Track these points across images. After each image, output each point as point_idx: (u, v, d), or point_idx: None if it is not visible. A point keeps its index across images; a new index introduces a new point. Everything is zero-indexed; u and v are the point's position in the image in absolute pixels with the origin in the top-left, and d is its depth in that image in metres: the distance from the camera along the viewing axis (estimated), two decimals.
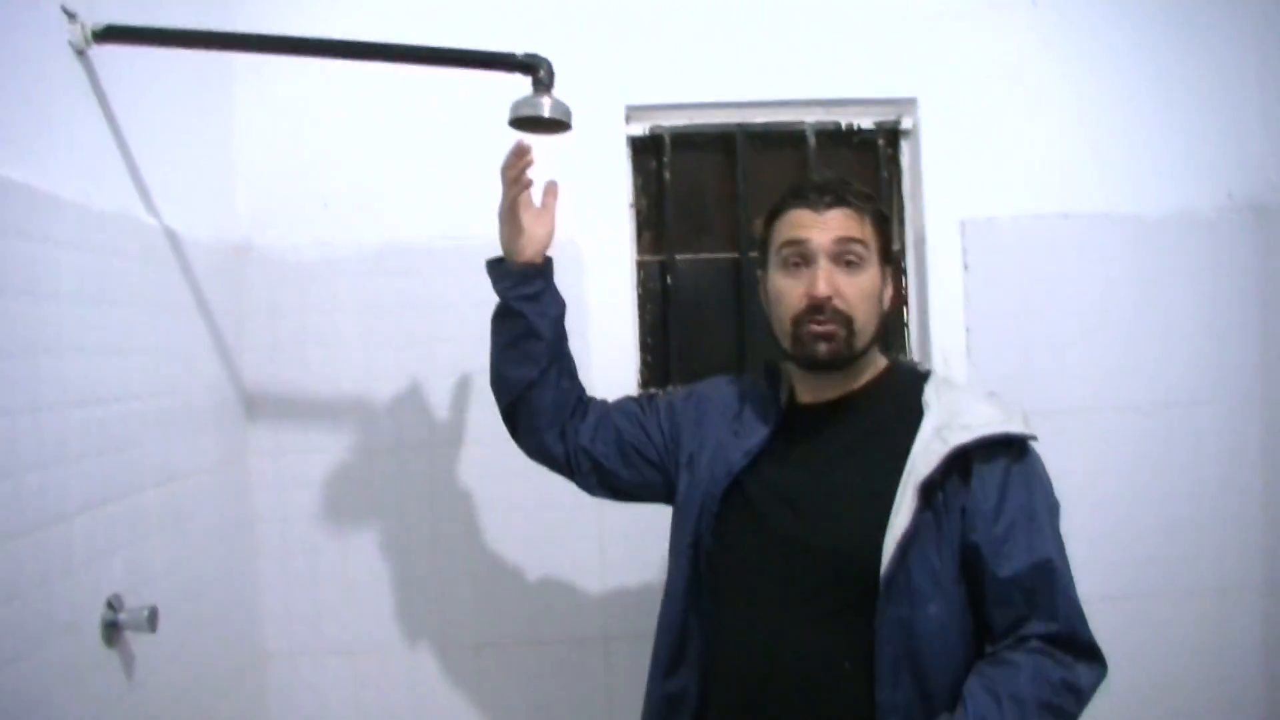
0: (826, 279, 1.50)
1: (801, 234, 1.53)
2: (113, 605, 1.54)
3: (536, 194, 1.75)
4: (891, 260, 1.61)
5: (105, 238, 1.60)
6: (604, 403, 1.82)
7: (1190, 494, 2.44)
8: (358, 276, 2.27)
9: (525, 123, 1.66)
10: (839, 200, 1.54)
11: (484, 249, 2.19)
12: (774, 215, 1.60)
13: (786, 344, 1.56)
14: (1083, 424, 2.39)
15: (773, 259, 1.58)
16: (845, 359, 1.53)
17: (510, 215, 1.71)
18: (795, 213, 1.55)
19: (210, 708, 1.93)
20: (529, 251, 1.72)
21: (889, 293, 1.60)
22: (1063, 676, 1.37)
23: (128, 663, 1.60)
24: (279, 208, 2.25)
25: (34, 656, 1.34)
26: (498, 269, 1.75)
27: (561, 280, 2.11)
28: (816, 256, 1.51)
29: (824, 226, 1.52)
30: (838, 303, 1.50)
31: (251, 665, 2.18)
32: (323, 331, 2.25)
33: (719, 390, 1.78)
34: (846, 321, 1.51)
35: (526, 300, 1.71)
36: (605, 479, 1.77)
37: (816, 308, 1.50)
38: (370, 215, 2.27)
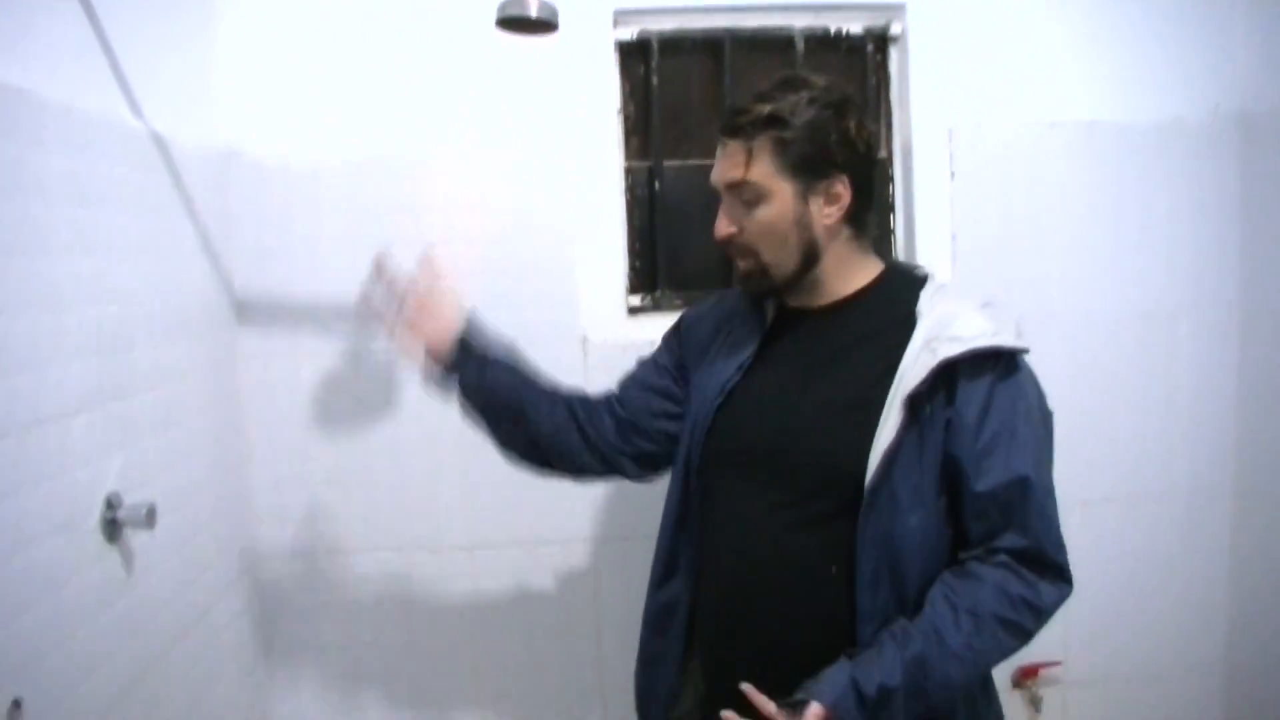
0: (724, 220, 1.53)
1: (712, 176, 1.55)
2: (111, 503, 1.57)
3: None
4: (831, 169, 1.49)
5: (92, 140, 1.59)
6: (617, 394, 1.81)
7: (1166, 401, 2.49)
8: (344, 182, 2.25)
9: (511, 23, 1.66)
10: (730, 130, 1.51)
11: (472, 155, 2.20)
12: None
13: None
14: (1064, 331, 2.43)
15: None
16: (773, 288, 1.56)
17: (397, 329, 1.74)
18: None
19: (206, 605, 1.97)
20: (441, 344, 1.73)
21: (830, 207, 1.51)
22: (1022, 593, 1.40)
23: (127, 559, 1.63)
24: (265, 114, 2.23)
25: (36, 551, 1.37)
26: (426, 373, 1.77)
27: (550, 186, 2.13)
28: (720, 195, 1.54)
29: (719, 166, 1.53)
30: (740, 239, 1.52)
31: (245, 565, 2.22)
32: (310, 237, 2.25)
33: (709, 313, 1.78)
34: (754, 254, 1.52)
35: (471, 387, 1.73)
36: (650, 464, 1.79)
37: (725, 245, 1.54)
38: (357, 121, 2.26)
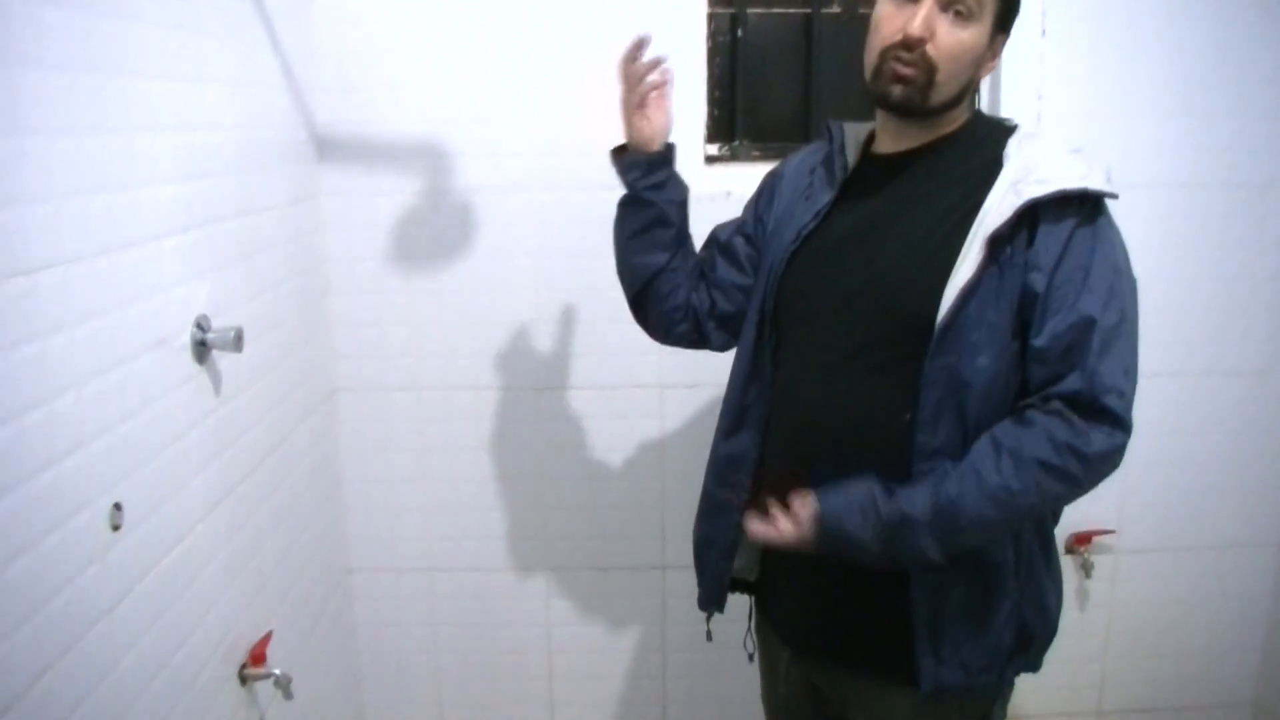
0: (925, 20, 1.42)
1: None
2: (201, 325, 1.63)
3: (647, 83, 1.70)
4: (1006, 29, 1.51)
5: None
6: (705, 256, 1.81)
7: (1249, 276, 2.44)
8: (426, 19, 2.24)
9: None
10: None
11: None
12: None
13: (868, 75, 1.52)
14: (1147, 200, 2.37)
15: None
16: (916, 108, 1.48)
17: (630, 108, 1.69)
18: None
19: (288, 431, 2.06)
20: (654, 141, 1.71)
21: (992, 63, 1.53)
22: (1068, 439, 1.37)
23: (215, 379, 1.70)
24: None
25: (131, 366, 1.43)
26: (623, 159, 1.74)
27: (632, 29, 2.08)
28: None
29: None
30: (929, 49, 1.43)
31: (323, 397, 2.30)
32: (391, 74, 2.26)
33: (793, 167, 1.76)
34: (930, 70, 1.44)
35: (655, 189, 1.71)
36: (735, 329, 1.78)
37: (906, 45, 1.44)
38: None
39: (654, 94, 1.69)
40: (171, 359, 1.56)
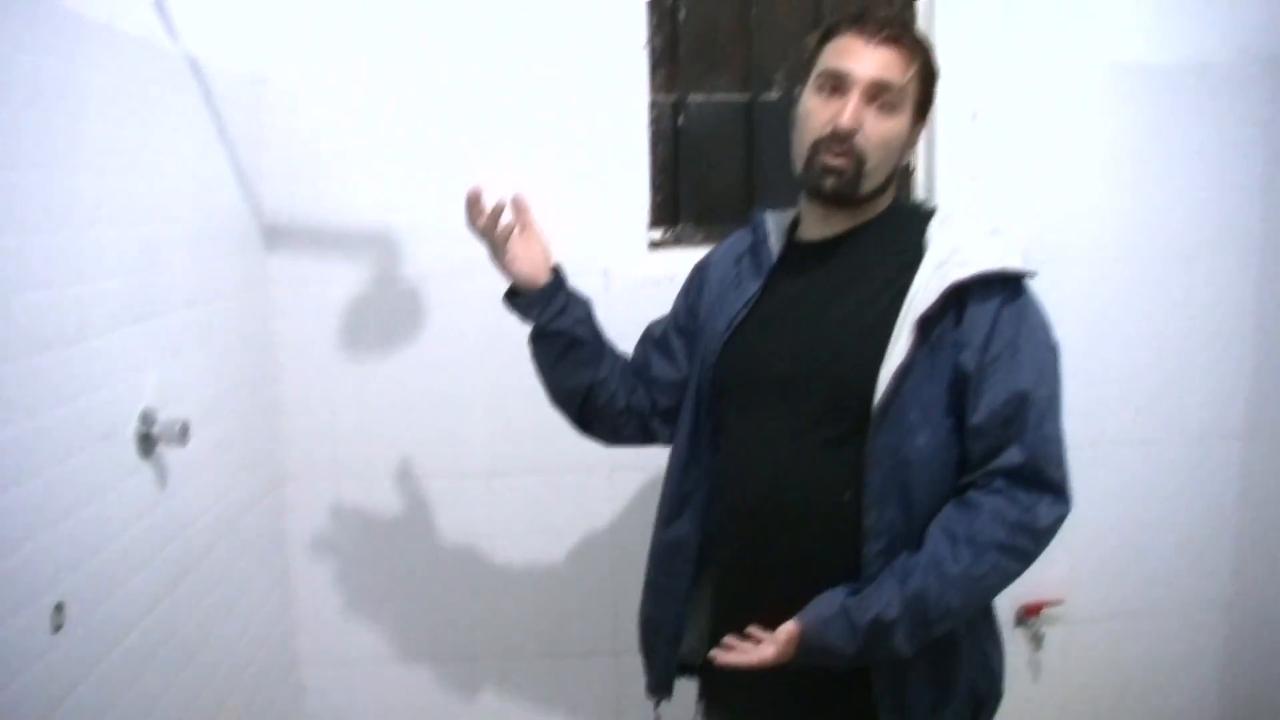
0: (854, 113, 1.49)
1: (845, 64, 1.50)
2: (146, 418, 1.62)
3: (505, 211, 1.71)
4: (924, 117, 1.60)
5: (131, 61, 1.62)
6: (640, 355, 1.83)
7: (1182, 342, 2.51)
8: (374, 109, 2.27)
9: None
10: (892, 38, 1.51)
11: (501, 85, 2.21)
12: (827, 35, 1.57)
13: (799, 165, 1.57)
14: (1081, 272, 2.44)
15: (813, 78, 1.56)
16: (848, 197, 1.54)
17: (500, 254, 1.70)
18: (847, 39, 1.52)
19: (234, 521, 2.03)
20: (538, 274, 1.71)
21: (912, 150, 1.62)
22: (1019, 518, 1.42)
23: (161, 473, 1.68)
24: (297, 39, 2.24)
25: (75, 461, 1.42)
26: (517, 302, 1.74)
27: (577, 118, 2.15)
28: (852, 90, 1.50)
29: (868, 61, 1.49)
30: (858, 140, 1.49)
31: (271, 485, 2.28)
32: (340, 163, 2.27)
33: (721, 255, 1.80)
34: (860, 160, 1.50)
35: (558, 317, 1.71)
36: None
37: (837, 137, 1.50)
38: (387, 49, 2.27)
39: (516, 234, 1.70)
40: (117, 453, 1.55)
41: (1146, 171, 2.44)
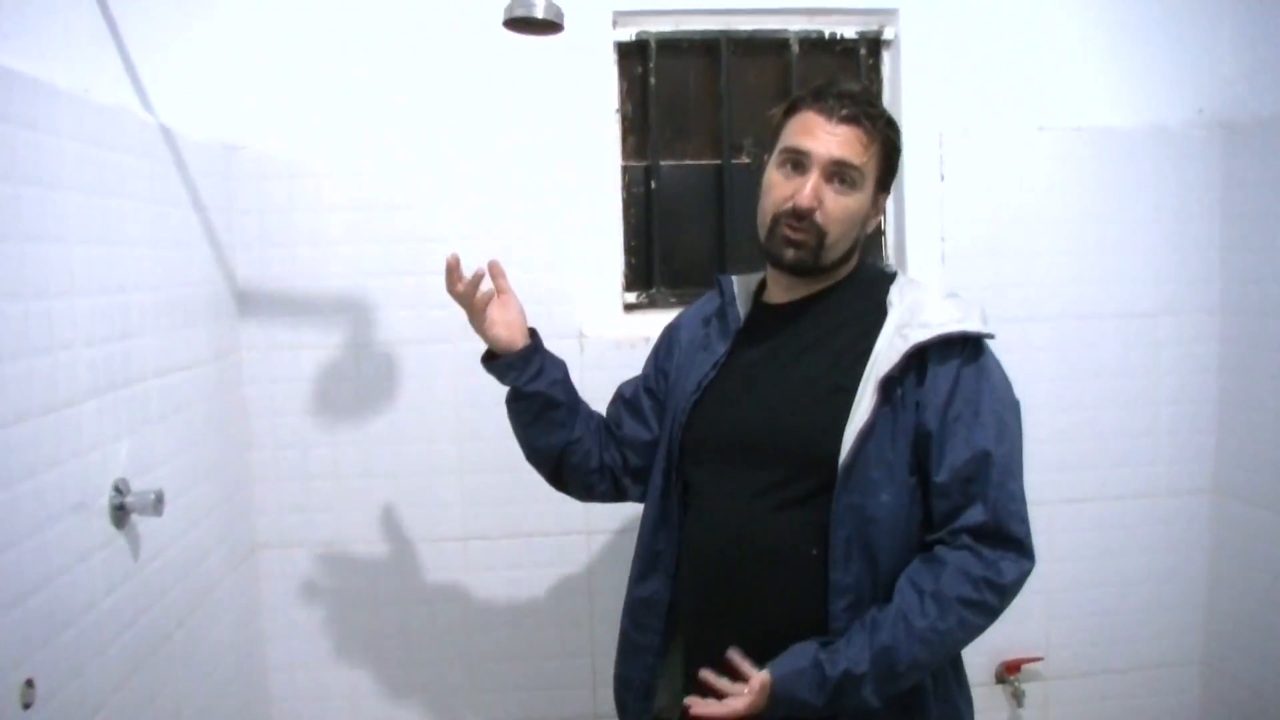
0: (813, 191, 1.53)
1: (805, 143, 1.54)
2: (119, 488, 1.60)
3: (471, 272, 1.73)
4: (887, 189, 1.64)
5: (104, 131, 1.62)
6: (613, 415, 1.86)
7: (1149, 401, 2.55)
8: (347, 177, 2.29)
9: (518, 23, 1.69)
10: (854, 118, 1.54)
11: (474, 152, 2.24)
12: (791, 109, 1.61)
13: (762, 236, 1.62)
14: (1049, 331, 2.48)
15: (776, 152, 1.61)
16: (809, 268, 1.58)
17: (479, 319, 1.72)
18: (809, 115, 1.56)
19: (206, 593, 2.00)
20: (515, 338, 1.74)
21: (876, 220, 1.65)
22: (984, 574, 1.45)
23: (134, 543, 1.66)
24: (269, 107, 2.26)
25: (47, 533, 1.40)
26: (495, 366, 1.76)
27: (549, 183, 2.17)
28: (812, 168, 1.54)
29: (829, 140, 1.53)
30: (818, 217, 1.54)
31: (243, 554, 2.25)
32: (312, 229, 2.29)
33: (690, 317, 1.84)
34: (820, 235, 1.55)
35: (534, 379, 1.74)
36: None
37: (796, 214, 1.54)
38: (360, 117, 2.29)
39: (493, 300, 1.72)
40: (89, 524, 1.53)
41: (1110, 231, 2.49)
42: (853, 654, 1.43)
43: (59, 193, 1.47)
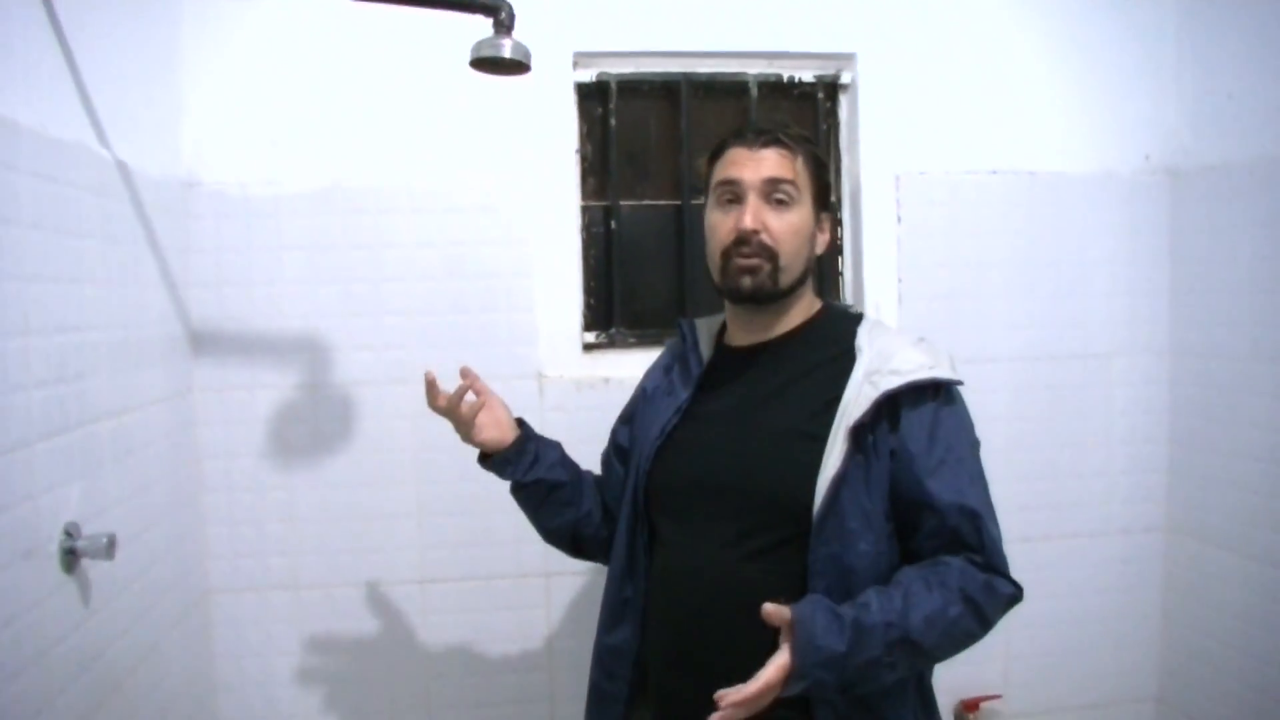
0: (753, 213, 1.57)
1: (734, 172, 1.59)
2: (70, 532, 1.56)
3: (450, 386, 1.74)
4: (828, 207, 1.67)
5: (61, 167, 1.59)
6: (600, 481, 1.87)
7: (1103, 441, 2.58)
8: (304, 215, 2.27)
9: (485, 63, 1.69)
10: (773, 140, 1.60)
11: (432, 191, 2.22)
12: (715, 154, 1.67)
13: (716, 277, 1.63)
14: (1004, 372, 2.51)
15: (711, 196, 1.65)
16: (769, 293, 1.59)
17: (467, 429, 1.73)
18: (732, 151, 1.62)
19: (157, 639, 1.95)
20: (506, 436, 1.75)
21: (823, 238, 1.66)
22: (985, 580, 1.46)
23: (85, 589, 1.61)
24: (227, 145, 2.24)
25: None
26: (491, 464, 1.77)
27: (509, 223, 2.16)
28: (747, 193, 1.58)
29: (756, 165, 1.58)
30: (764, 237, 1.56)
31: (195, 599, 2.19)
32: (269, 268, 2.26)
33: (657, 365, 1.85)
34: (772, 256, 1.57)
35: (531, 469, 1.76)
36: None
37: (743, 240, 1.56)
38: (317, 155, 2.27)
39: (480, 408, 1.72)
40: (39, 570, 1.48)
41: (1063, 274, 2.54)
42: (867, 604, 1.40)
43: (15, 229, 1.44)
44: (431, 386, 1.68)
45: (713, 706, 1.39)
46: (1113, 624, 2.62)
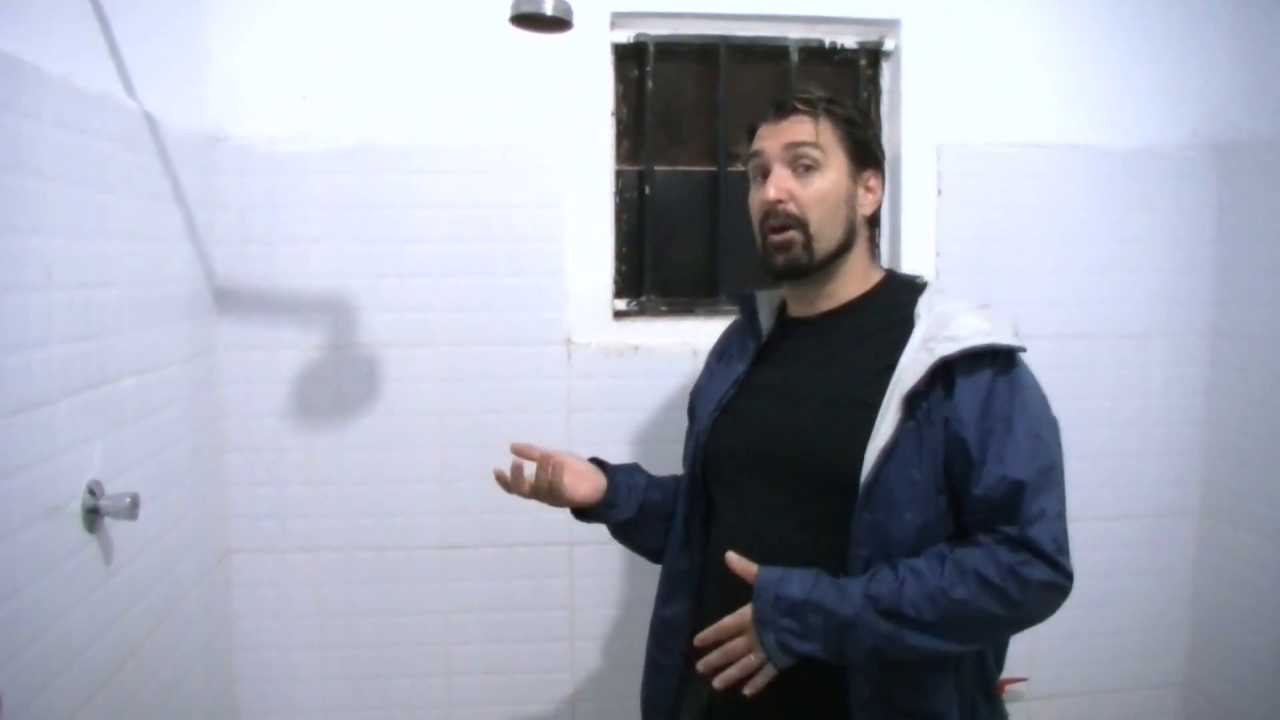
0: (776, 184, 1.53)
1: (758, 145, 1.58)
2: (93, 491, 1.53)
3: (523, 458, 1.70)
4: (872, 162, 1.60)
5: (87, 117, 1.55)
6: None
7: (1137, 422, 2.53)
8: (331, 173, 2.22)
9: (525, 19, 1.63)
10: (791, 108, 1.56)
11: (463, 151, 2.18)
12: (749, 135, 1.63)
13: (760, 256, 1.60)
14: (1039, 350, 2.41)
15: (750, 178, 1.63)
16: (806, 267, 1.54)
17: (557, 500, 1.69)
18: (760, 128, 1.60)
19: (178, 599, 1.93)
20: (599, 483, 1.72)
21: (870, 197, 1.59)
22: (1012, 563, 1.37)
23: (106, 549, 1.59)
24: (254, 99, 2.20)
25: (17, 538, 1.33)
26: (586, 516, 1.76)
27: (540, 186, 2.11)
28: (771, 164, 1.55)
29: (776, 134, 1.56)
30: (790, 206, 1.52)
31: (216, 560, 2.17)
32: (294, 227, 2.22)
33: (720, 341, 1.81)
34: (802, 225, 1.53)
35: (624, 508, 1.74)
36: None
37: (771, 213, 1.54)
38: (346, 111, 2.23)
39: (559, 477, 1.67)
40: (61, 529, 1.46)
41: (1102, 251, 2.47)
42: (872, 574, 1.40)
43: (39, 181, 1.40)
44: (517, 476, 1.65)
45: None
46: (1141, 608, 2.59)
